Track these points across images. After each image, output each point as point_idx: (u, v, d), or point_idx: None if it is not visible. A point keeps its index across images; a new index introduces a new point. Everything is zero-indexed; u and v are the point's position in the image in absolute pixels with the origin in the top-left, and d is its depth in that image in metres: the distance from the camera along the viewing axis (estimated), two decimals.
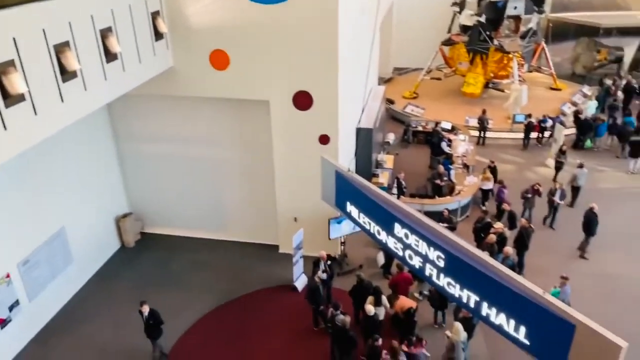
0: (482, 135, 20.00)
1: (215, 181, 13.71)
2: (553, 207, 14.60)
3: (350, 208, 6.72)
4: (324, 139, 11.89)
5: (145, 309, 9.96)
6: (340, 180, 6.74)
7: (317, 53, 11.00)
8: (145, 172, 13.92)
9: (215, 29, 11.16)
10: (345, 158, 12.15)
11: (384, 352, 9.10)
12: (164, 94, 12.19)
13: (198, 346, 10.89)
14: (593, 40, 26.23)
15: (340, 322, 9.72)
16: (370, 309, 9.98)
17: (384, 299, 10.53)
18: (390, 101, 23.01)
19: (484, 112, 19.92)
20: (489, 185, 15.64)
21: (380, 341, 9.31)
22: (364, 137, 14.88)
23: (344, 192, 6.75)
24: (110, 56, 9.04)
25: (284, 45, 11.06)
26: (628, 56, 26.90)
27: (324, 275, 11.08)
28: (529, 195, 14.48)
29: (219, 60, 11.43)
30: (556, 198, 14.42)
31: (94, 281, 12.89)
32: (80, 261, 12.44)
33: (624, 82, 23.34)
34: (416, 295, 11.98)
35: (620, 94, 22.33)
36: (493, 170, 16.00)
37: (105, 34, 8.83)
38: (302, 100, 11.54)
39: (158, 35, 10.77)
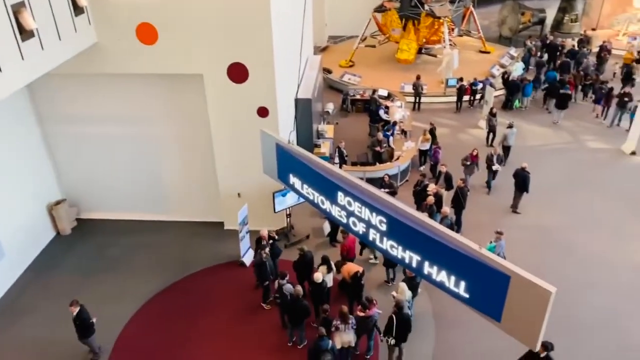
0: (417, 100, 20.47)
1: (152, 160, 13.28)
2: (492, 172, 15.11)
3: (293, 180, 6.73)
4: (263, 112, 11.75)
5: (74, 310, 9.32)
6: (281, 152, 6.71)
7: (249, 23, 10.73)
8: (77, 155, 13.24)
9: (140, 1, 10.59)
10: (285, 130, 12.09)
11: (335, 318, 9.33)
12: (91, 73, 11.54)
13: (146, 330, 10.70)
14: (517, 3, 27.19)
15: (290, 292, 9.84)
16: (318, 276, 10.16)
17: (332, 265, 10.77)
18: (327, 70, 22.97)
19: (418, 77, 20.33)
20: (427, 146, 16.15)
21: (328, 309, 9.55)
22: (303, 107, 14.83)
23: (286, 164, 6.74)
24: (25, 34, 8.38)
25: (214, 17, 10.69)
26: (550, 17, 28.20)
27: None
28: (469, 163, 14.90)
29: (146, 34, 10.90)
30: (494, 162, 14.90)
31: (29, 274, 12.27)
32: (12, 254, 11.77)
33: (547, 42, 24.50)
34: (371, 260, 12.36)
35: (545, 55, 23.53)
36: (432, 131, 16.50)
37: (17, 9, 8.15)
38: (237, 73, 11.29)
39: (78, 9, 10.07)
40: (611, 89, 19.25)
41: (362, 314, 9.48)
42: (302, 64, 16.24)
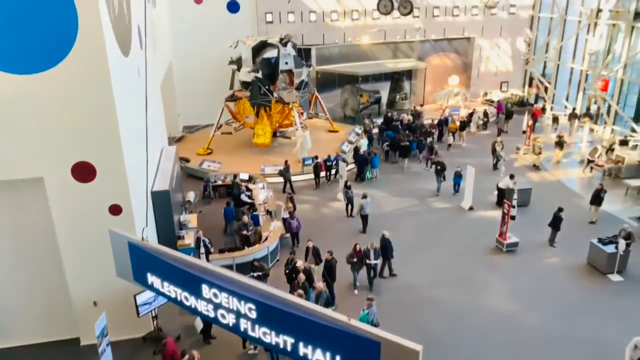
0: (288, 183, 20.83)
1: None
2: (371, 268, 14.31)
3: (152, 279, 6.28)
4: (116, 210, 11.04)
5: None
6: (135, 251, 6.28)
7: (93, 121, 10.25)
8: None
9: None
10: (143, 225, 11.43)
11: None
12: None
13: None
14: (355, 86, 30.21)
15: None
16: None
17: None
18: (185, 159, 22.72)
19: (285, 163, 20.99)
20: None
21: None
22: (161, 200, 14.27)
23: (142, 263, 6.31)
24: None
25: (52, 116, 10.01)
26: (384, 97, 31.73)
27: None
28: (355, 260, 14.03)
29: None
30: (371, 259, 14.20)
31: None
32: None
33: (380, 119, 27.56)
34: (251, 351, 11.79)
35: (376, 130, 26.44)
36: (291, 198, 17.33)
37: None
38: (83, 172, 10.56)
39: None
40: (432, 144, 23.76)
41: None
42: (156, 155, 15.87)
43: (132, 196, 11.19)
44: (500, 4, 23.94)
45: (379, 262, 14.62)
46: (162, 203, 14.25)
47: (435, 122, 26.92)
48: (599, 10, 26.66)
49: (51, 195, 10.69)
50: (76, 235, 11.07)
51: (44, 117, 10.01)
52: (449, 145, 25.81)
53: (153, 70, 16.85)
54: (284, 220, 16.82)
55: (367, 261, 14.21)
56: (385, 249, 14.67)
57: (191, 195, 19.49)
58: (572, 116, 27.84)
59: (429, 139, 24.49)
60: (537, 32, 32.73)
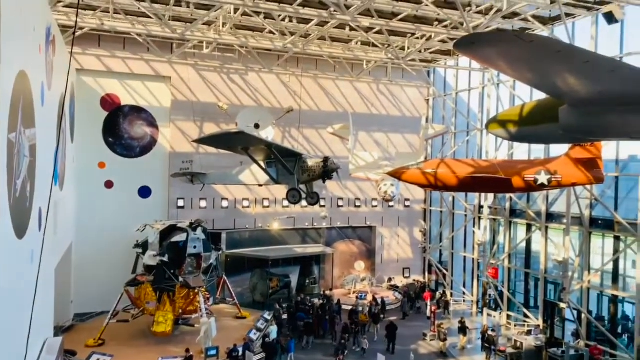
0: None
1: None
2: None
3: None
4: None
5: None
6: None
7: None
8: None
9: None
10: None
11: None
12: None
13: None
14: (265, 270, 30.26)
15: None
16: None
17: None
18: (71, 353, 20.15)
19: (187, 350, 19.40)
20: None
21: None
22: None
23: None
24: None
25: None
26: (294, 281, 31.84)
27: None
28: None
29: None
30: None
31: None
32: None
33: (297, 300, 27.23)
34: None
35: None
36: None
37: None
38: None
39: None
40: (334, 322, 25.08)
41: None
42: (36, 349, 14.02)
43: None
44: (396, 198, 26.42)
45: None
46: None
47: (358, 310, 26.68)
48: (481, 207, 30.35)
49: None
50: None
51: None
52: (364, 350, 23.36)
53: (49, 253, 15.87)
54: None
55: None
56: None
57: None
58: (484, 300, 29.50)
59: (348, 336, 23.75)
60: (431, 223, 36.10)
